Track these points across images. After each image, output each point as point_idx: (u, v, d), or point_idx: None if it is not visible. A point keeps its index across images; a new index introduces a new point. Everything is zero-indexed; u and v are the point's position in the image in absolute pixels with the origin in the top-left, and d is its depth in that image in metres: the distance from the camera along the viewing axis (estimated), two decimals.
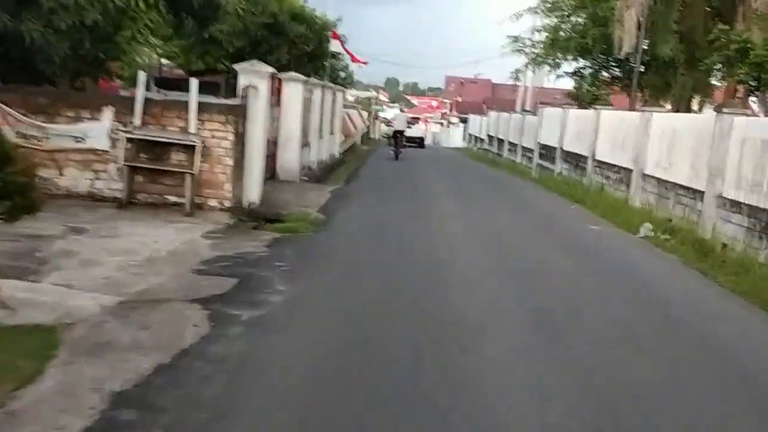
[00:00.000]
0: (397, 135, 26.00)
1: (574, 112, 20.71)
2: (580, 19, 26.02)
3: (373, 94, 76.60)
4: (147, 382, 4.27)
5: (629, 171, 14.81)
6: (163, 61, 32.60)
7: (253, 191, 10.53)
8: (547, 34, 27.46)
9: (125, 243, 7.71)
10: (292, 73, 14.96)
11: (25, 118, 9.41)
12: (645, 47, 21.59)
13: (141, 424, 3.78)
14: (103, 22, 11.42)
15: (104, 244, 7.57)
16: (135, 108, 9.71)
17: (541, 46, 28.19)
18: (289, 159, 14.71)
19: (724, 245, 10.02)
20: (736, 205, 10.13)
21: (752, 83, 18.38)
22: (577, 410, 4.38)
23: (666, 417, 4.43)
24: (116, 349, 4.79)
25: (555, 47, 26.50)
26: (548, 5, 26.96)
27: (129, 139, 9.65)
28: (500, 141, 31.98)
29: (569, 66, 27.66)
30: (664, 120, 13.70)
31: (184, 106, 9.87)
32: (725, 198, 10.45)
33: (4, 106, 9.30)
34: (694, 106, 25.96)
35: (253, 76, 10.39)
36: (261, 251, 7.93)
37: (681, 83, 23.87)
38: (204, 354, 4.79)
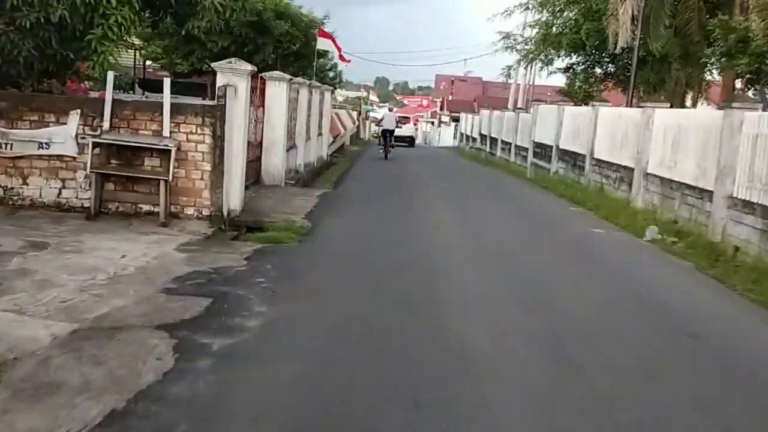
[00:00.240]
0: (386, 134, 26.17)
1: (571, 110, 20.10)
2: (572, 14, 25.42)
3: (363, 93, 76.02)
4: None
5: (630, 170, 14.20)
6: (148, 62, 31.93)
7: (233, 198, 9.84)
8: (538, 28, 26.87)
9: (90, 259, 7.01)
10: (276, 72, 14.26)
11: None
12: (640, 42, 21.01)
13: None
14: (71, 19, 10.72)
15: (66, 261, 6.86)
16: (104, 110, 9.01)
17: (533, 42, 27.63)
18: (274, 162, 14.01)
19: (737, 248, 9.42)
20: (748, 206, 9.52)
21: (751, 75, 17.87)
22: None
23: None
24: (63, 391, 4.10)
25: (547, 42, 25.89)
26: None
27: (97, 144, 8.94)
28: (493, 140, 31.37)
29: (561, 62, 27.13)
30: (667, 116, 13.08)
31: (157, 107, 9.18)
32: (736, 198, 9.83)
33: None
34: (687, 102, 25.43)
35: (232, 75, 9.71)
36: (239, 265, 7.24)
37: (674, 78, 23.35)
38: (164, 396, 4.10)
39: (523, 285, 7.50)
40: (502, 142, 29.17)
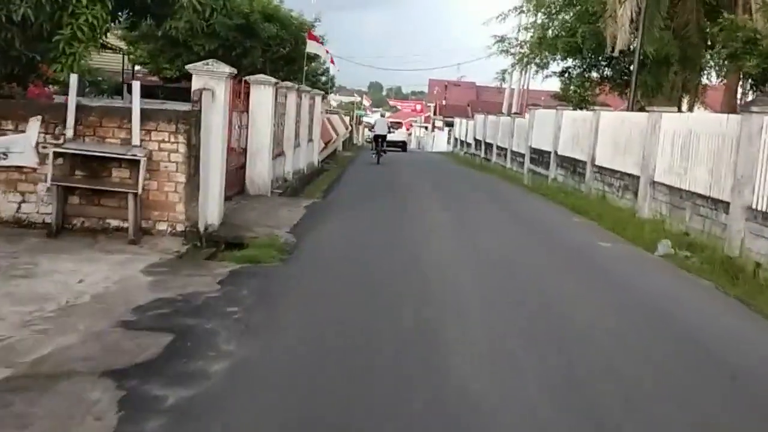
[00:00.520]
0: (378, 139, 26.56)
1: (570, 114, 19.38)
2: (567, 17, 24.73)
3: (356, 98, 75.32)
4: None
5: (635, 177, 13.46)
6: (138, 67, 31.14)
7: (211, 211, 9.05)
8: (534, 30, 26.19)
9: (42, 285, 6.20)
10: (261, 76, 13.47)
11: None
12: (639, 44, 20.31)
13: None
14: (36, 17, 9.92)
15: (13, 287, 6.05)
16: (67, 117, 8.21)
17: (528, 45, 26.93)
18: (260, 170, 13.21)
19: (758, 265, 8.68)
20: None
21: (755, 79, 17.22)
22: None
23: None
24: None
25: (542, 46, 25.18)
26: (534, 2, 25.68)
27: (59, 154, 8.14)
28: (488, 145, 30.67)
29: (557, 66, 26.43)
30: (676, 121, 12.32)
31: (126, 113, 8.38)
32: (756, 209, 9.09)
33: None
34: (684, 106, 24.74)
35: (209, 78, 8.93)
36: (211, 291, 6.42)
37: (671, 82, 22.70)
38: None
39: (531, 317, 6.66)
40: (498, 147, 28.46)
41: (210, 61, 9.24)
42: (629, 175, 13.87)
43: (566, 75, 26.31)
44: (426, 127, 70.12)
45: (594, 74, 25.76)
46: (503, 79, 32.94)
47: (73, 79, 8.32)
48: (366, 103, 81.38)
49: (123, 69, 28.08)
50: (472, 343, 5.63)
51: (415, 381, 4.68)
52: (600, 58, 24.15)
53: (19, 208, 8.37)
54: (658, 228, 11.24)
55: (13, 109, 8.49)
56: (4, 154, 8.20)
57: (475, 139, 34.61)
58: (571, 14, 24.28)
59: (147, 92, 27.04)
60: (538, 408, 4.40)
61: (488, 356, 5.34)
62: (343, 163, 26.31)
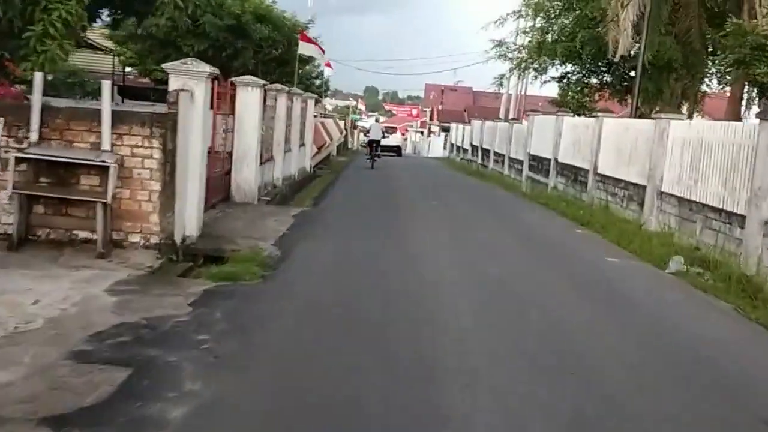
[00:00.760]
0: (373, 144, 26.72)
1: (571, 120, 18.77)
2: (567, 21, 24.17)
3: (351, 102, 74.71)
4: None
5: (640, 187, 12.84)
6: (129, 68, 30.47)
7: (189, 221, 8.39)
8: (532, 34, 25.63)
9: None
10: (248, 77, 12.81)
11: None
12: (639, 50, 19.76)
13: None
14: (4, 13, 9.32)
15: None
16: (31, 119, 7.54)
17: (527, 49, 26.37)
18: (246, 176, 12.54)
19: None
20: None
21: (763, 86, 16.66)
22: None
23: None
24: None
25: (541, 50, 24.60)
26: (532, 6, 25.13)
27: (22, 160, 7.47)
28: (485, 151, 30.08)
29: (555, 71, 25.87)
30: (685, 129, 11.70)
31: (96, 116, 7.70)
32: None
33: None
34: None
35: (188, 78, 8.28)
36: (181, 314, 5.75)
37: (671, 89, 22.16)
38: None
39: (539, 345, 6.02)
40: (495, 153, 27.87)
41: (189, 60, 8.60)
42: (634, 184, 13.25)
43: (565, 80, 25.76)
44: (422, 132, 69.64)
45: (593, 80, 25.23)
46: (501, 84, 32.38)
47: (38, 77, 7.64)
48: (361, 107, 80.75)
49: (113, 70, 27.39)
50: (475, 395, 4.97)
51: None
52: (599, 63, 23.61)
53: None
54: (666, 242, 10.61)
55: None
56: None
57: (472, 145, 34.02)
58: (571, 19, 23.74)
59: (138, 94, 26.32)
60: None
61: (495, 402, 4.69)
62: (336, 168, 25.67)
